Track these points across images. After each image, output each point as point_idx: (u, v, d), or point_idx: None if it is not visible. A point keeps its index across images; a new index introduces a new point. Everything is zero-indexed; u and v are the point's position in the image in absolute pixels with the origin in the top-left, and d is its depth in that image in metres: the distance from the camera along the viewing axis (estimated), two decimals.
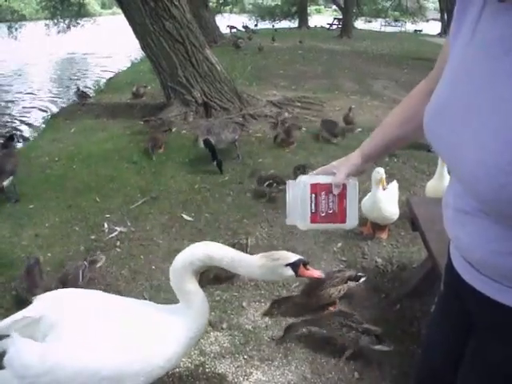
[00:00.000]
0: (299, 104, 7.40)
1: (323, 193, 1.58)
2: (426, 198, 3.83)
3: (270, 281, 2.02)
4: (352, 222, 1.62)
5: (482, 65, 1.07)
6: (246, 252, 3.30)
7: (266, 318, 3.12)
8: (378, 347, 2.80)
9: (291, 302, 3.15)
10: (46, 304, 2.14)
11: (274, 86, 8.59)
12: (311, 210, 1.59)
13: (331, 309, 3.19)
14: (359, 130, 6.15)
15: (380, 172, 3.71)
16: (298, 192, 1.59)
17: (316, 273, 2.04)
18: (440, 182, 3.83)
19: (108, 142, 6.18)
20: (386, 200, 3.75)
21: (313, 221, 1.61)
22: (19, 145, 7.59)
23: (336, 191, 1.58)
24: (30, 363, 1.95)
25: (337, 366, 2.81)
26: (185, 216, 4.33)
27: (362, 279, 3.24)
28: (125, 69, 12.50)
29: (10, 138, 5.50)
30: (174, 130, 6.34)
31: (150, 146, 5.56)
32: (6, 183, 4.76)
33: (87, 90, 9.75)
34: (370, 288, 3.40)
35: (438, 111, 1.21)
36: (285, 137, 5.71)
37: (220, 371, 2.78)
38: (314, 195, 1.58)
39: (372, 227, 3.96)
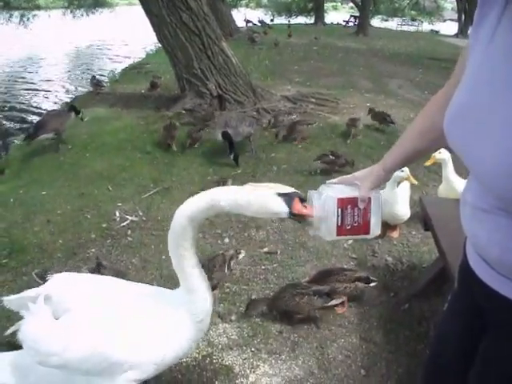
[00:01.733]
0: (313, 100, 7.37)
1: (349, 206, 1.58)
2: (439, 198, 3.81)
3: (262, 217, 1.71)
4: (375, 231, 1.63)
5: (501, 68, 1.08)
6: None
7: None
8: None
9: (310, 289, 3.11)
10: (61, 284, 2.12)
11: (289, 82, 8.57)
12: (337, 223, 1.59)
13: (339, 308, 3.19)
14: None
15: (405, 170, 3.71)
16: (323, 205, 1.58)
17: (312, 212, 1.65)
18: (448, 186, 3.84)
19: (121, 132, 6.20)
20: (398, 199, 3.74)
21: (339, 234, 1.60)
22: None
23: (362, 205, 1.58)
24: (41, 341, 1.93)
25: (344, 362, 2.82)
26: None
27: (373, 284, 3.22)
28: (140, 59, 12.51)
29: (73, 108, 6.23)
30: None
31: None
32: (43, 136, 5.70)
33: (102, 79, 9.77)
34: (379, 286, 3.38)
35: (457, 114, 1.23)
36: (286, 133, 5.67)
37: (227, 363, 2.79)
38: (340, 209, 1.58)
39: (383, 226, 3.94)
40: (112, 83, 9.40)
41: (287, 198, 1.66)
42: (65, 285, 2.13)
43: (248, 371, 2.74)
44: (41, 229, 4.07)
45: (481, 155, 1.11)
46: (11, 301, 2.07)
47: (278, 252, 3.75)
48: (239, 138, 5.26)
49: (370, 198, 1.59)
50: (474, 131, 1.15)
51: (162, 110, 6.89)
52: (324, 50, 12.00)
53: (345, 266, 3.48)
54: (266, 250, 3.76)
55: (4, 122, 8.39)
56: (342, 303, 3.19)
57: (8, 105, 9.25)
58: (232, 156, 5.05)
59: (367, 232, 1.63)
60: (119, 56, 14.69)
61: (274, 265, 3.59)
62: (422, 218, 3.25)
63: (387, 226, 3.95)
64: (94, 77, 9.28)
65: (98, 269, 3.15)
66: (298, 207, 1.65)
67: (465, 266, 1.46)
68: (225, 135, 5.01)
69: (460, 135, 1.22)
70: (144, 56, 13.29)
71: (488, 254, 1.28)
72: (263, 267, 3.52)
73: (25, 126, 8.24)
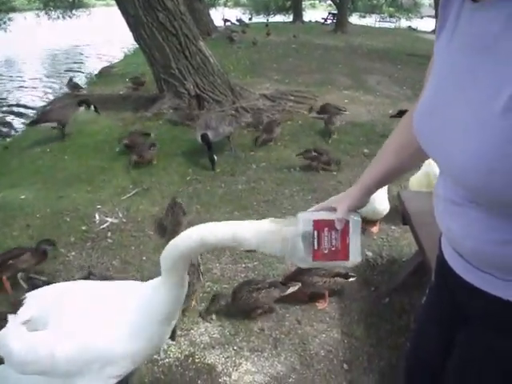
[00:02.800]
0: (292, 98, 7.38)
1: (326, 229, 1.53)
2: (417, 192, 3.85)
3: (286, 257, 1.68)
4: (355, 258, 1.57)
5: (462, 62, 1.10)
6: (199, 277, 3.21)
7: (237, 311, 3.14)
8: (289, 291, 3.10)
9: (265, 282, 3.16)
10: (35, 302, 2.19)
11: (268, 80, 8.59)
12: (314, 247, 1.54)
13: (320, 304, 3.22)
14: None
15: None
16: (299, 229, 1.54)
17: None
18: (423, 177, 3.87)
19: (100, 134, 6.17)
20: (377, 195, 3.76)
21: (315, 258, 1.54)
22: (11, 134, 7.58)
23: (339, 226, 1.52)
24: (13, 350, 2.03)
25: (326, 357, 2.84)
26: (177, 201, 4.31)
27: (352, 279, 3.26)
28: (118, 61, 12.45)
29: (84, 102, 6.36)
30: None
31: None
32: (46, 124, 6.06)
33: (79, 81, 9.69)
34: (359, 281, 3.41)
35: (425, 112, 1.25)
36: (266, 136, 5.59)
37: (210, 362, 2.79)
38: (316, 232, 1.53)
39: (363, 221, 3.95)
40: (90, 85, 9.35)
41: None
42: (38, 301, 2.18)
43: (231, 369, 2.75)
44: (20, 233, 4.04)
45: (450, 151, 1.12)
46: None
47: None
48: (219, 138, 5.26)
49: (348, 222, 1.53)
50: (441, 128, 1.16)
51: (141, 111, 6.86)
52: (303, 47, 12.03)
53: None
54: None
55: None
56: (323, 298, 3.22)
57: None
58: (210, 159, 5.04)
59: (346, 258, 1.56)
60: (97, 57, 14.59)
61: (255, 263, 3.60)
62: (401, 212, 3.29)
63: (367, 222, 3.97)
64: (71, 79, 9.20)
65: (88, 277, 3.16)
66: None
67: (440, 258, 1.48)
68: (203, 138, 5.00)
69: (428, 133, 1.23)
70: (122, 57, 13.23)
71: (461, 247, 1.30)
72: (244, 265, 3.53)
73: (2, 129, 8.14)
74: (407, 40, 20.29)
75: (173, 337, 2.88)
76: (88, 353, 1.99)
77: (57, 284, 2.45)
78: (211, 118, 5.35)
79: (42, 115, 6.29)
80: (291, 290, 3.12)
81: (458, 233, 1.27)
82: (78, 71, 12.66)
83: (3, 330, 2.12)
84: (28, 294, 2.24)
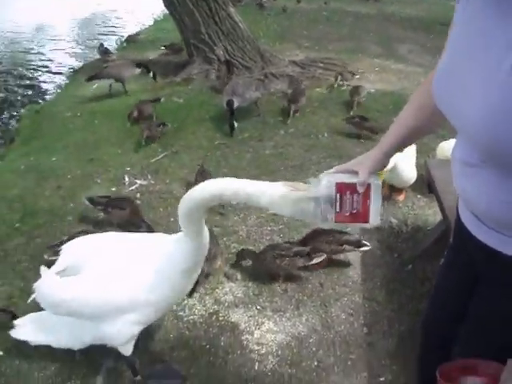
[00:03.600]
0: (322, 65, 7.29)
1: (348, 192, 1.56)
2: (443, 160, 3.82)
3: (295, 217, 1.80)
4: (374, 221, 1.61)
5: (475, 27, 1.15)
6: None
7: (279, 271, 3.20)
8: (313, 262, 3.13)
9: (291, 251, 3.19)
10: (70, 251, 2.39)
11: (298, 47, 8.48)
12: (336, 209, 1.58)
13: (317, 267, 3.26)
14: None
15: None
16: (322, 191, 1.57)
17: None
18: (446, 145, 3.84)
19: (130, 98, 6.21)
20: (404, 163, 3.75)
21: (337, 220, 1.59)
22: (42, 99, 7.70)
23: (361, 190, 1.56)
24: (47, 293, 2.29)
25: (347, 320, 2.90)
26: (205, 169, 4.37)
27: (364, 248, 3.26)
28: (147, 27, 12.40)
29: (142, 65, 6.64)
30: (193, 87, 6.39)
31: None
32: (102, 80, 6.45)
33: (109, 47, 9.70)
34: (383, 247, 3.45)
35: (441, 76, 1.29)
36: (295, 107, 5.40)
37: (233, 320, 2.88)
38: (339, 195, 1.56)
39: (389, 189, 3.96)
40: (120, 51, 9.37)
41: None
42: (72, 252, 2.38)
43: (253, 328, 2.84)
44: (52, 194, 4.15)
45: (464, 112, 1.17)
46: None
47: None
48: (246, 104, 5.27)
49: (369, 185, 1.57)
50: (457, 90, 1.21)
51: (170, 76, 6.88)
52: (333, 15, 11.80)
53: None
54: (272, 211, 3.80)
55: (15, 90, 8.42)
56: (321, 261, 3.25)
57: (15, 75, 9.25)
58: (229, 125, 5.04)
59: (366, 220, 1.60)
60: (127, 23, 14.55)
61: (280, 226, 3.65)
62: (426, 180, 3.29)
63: (393, 189, 3.96)
64: (101, 44, 9.23)
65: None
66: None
67: (458, 221, 1.52)
68: (228, 104, 5.00)
69: (445, 94, 1.28)
70: (152, 23, 13.18)
71: (475, 207, 1.34)
72: (269, 228, 3.59)
73: (32, 96, 8.25)
74: (441, 9, 19.69)
75: (190, 293, 2.97)
76: (112, 299, 2.16)
77: (89, 235, 2.58)
78: (238, 84, 5.35)
79: (101, 71, 6.50)
80: (315, 260, 3.15)
81: (472, 193, 1.32)
82: (108, 36, 12.67)
83: (38, 281, 2.33)
84: (63, 246, 2.38)
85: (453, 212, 2.61)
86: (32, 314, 2.57)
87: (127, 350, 2.36)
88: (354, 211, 1.58)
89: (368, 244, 3.28)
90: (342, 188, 1.57)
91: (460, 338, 1.59)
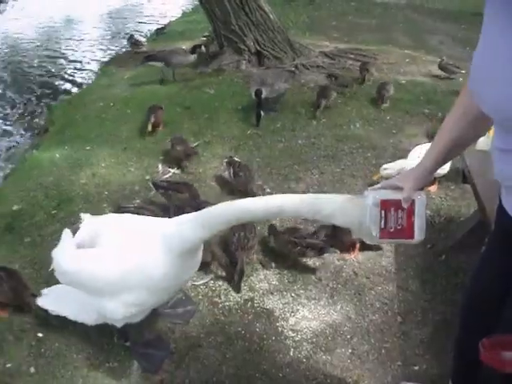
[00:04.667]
0: (352, 56, 7.25)
1: (392, 209, 1.59)
2: (479, 150, 3.79)
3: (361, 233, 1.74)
4: (419, 236, 1.63)
5: (506, 16, 1.20)
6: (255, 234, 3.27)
7: (314, 260, 3.22)
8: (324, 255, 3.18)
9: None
10: (89, 226, 2.55)
11: (327, 38, 8.45)
12: (380, 226, 1.60)
13: (351, 255, 3.29)
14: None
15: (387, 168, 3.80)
16: (366, 207, 1.61)
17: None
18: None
19: (161, 89, 6.27)
20: None
21: (381, 237, 1.62)
22: (74, 90, 7.80)
23: (405, 206, 1.58)
24: (60, 262, 2.46)
25: (381, 309, 2.92)
26: (237, 160, 4.40)
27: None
28: (176, 18, 12.46)
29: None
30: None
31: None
32: (152, 63, 6.48)
33: (139, 38, 9.76)
34: None
35: (474, 69, 1.35)
36: (326, 102, 5.29)
37: (268, 307, 2.92)
38: (383, 211, 1.59)
39: None
40: (150, 42, 9.43)
41: None
42: (91, 227, 2.53)
43: (288, 315, 2.87)
44: (86, 182, 4.23)
45: (495, 95, 1.23)
46: None
47: None
48: (274, 95, 5.28)
49: (413, 201, 1.59)
50: (488, 77, 1.26)
51: (200, 66, 6.91)
52: (362, 5, 11.69)
53: None
54: None
55: (47, 81, 8.54)
56: (353, 247, 3.29)
57: (47, 67, 9.36)
58: (256, 114, 5.04)
59: (411, 236, 1.62)
60: (156, 15, 14.61)
61: None
62: (461, 170, 3.27)
63: None
64: (131, 36, 9.28)
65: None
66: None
67: (500, 207, 1.53)
68: (256, 93, 5.01)
69: (478, 86, 1.33)
70: (180, 15, 13.23)
71: None
72: (303, 218, 3.60)
73: (65, 85, 8.37)
74: None
75: (238, 289, 3.01)
76: (107, 276, 2.29)
77: (109, 215, 2.69)
78: (267, 74, 5.37)
79: (155, 54, 6.60)
80: (327, 254, 3.19)
81: (508, 173, 1.36)
82: (138, 28, 12.75)
83: (58, 245, 2.52)
84: (84, 221, 2.57)
85: (489, 203, 2.62)
86: (57, 286, 2.69)
87: (118, 324, 2.48)
88: (399, 227, 1.61)
89: None
90: (386, 205, 1.60)
91: (502, 323, 1.60)
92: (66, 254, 2.44)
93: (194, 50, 6.48)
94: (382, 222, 1.60)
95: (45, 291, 2.77)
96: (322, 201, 1.75)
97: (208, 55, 6.79)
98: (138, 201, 3.85)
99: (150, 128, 4.90)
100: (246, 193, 3.67)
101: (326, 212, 1.72)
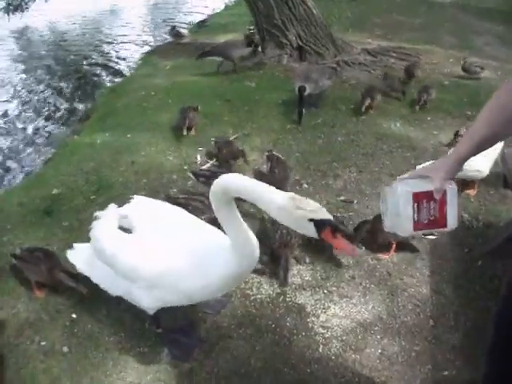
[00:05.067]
0: (394, 54, 7.17)
1: (425, 201, 1.58)
2: None
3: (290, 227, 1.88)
4: (452, 225, 1.63)
5: None
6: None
7: (348, 258, 3.21)
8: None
9: (366, 227, 3.25)
10: (136, 206, 2.56)
11: (370, 35, 8.36)
12: (414, 219, 1.59)
13: (384, 255, 3.27)
14: None
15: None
16: (398, 201, 1.60)
17: (346, 247, 1.83)
18: None
19: (202, 80, 6.32)
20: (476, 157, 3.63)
21: (415, 229, 1.61)
22: (117, 79, 7.93)
23: (437, 197, 1.57)
24: (99, 240, 2.47)
25: (413, 311, 2.89)
26: (276, 155, 4.40)
27: (431, 236, 3.28)
28: (218, 11, 12.52)
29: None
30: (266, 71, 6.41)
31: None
32: (211, 57, 6.57)
33: (181, 30, 9.84)
34: (453, 242, 3.40)
35: None
36: (371, 103, 5.19)
37: (300, 302, 2.92)
38: (416, 204, 1.58)
39: (459, 182, 3.87)
40: (192, 34, 9.51)
41: (319, 224, 1.76)
42: (140, 207, 2.55)
43: (319, 311, 2.87)
44: (126, 169, 4.29)
45: None
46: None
47: (355, 201, 3.82)
48: (317, 91, 5.27)
49: (445, 190, 1.58)
50: None
51: (243, 60, 6.93)
52: (407, 3, 11.55)
53: None
54: (342, 198, 3.84)
55: (91, 71, 8.70)
56: (389, 249, 3.27)
57: (91, 55, 9.54)
58: (298, 111, 5.02)
59: (444, 225, 1.62)
60: (199, 7, 14.72)
61: (350, 213, 3.67)
62: (502, 174, 3.21)
63: (465, 183, 3.87)
64: (173, 27, 9.35)
65: None
66: (327, 236, 1.76)
67: None
68: (299, 90, 4.99)
69: None
70: (223, 8, 13.29)
71: None
72: (339, 215, 3.59)
73: (107, 75, 8.52)
74: None
75: (285, 283, 3.01)
76: (145, 270, 2.30)
77: (160, 201, 2.69)
78: (312, 70, 5.35)
79: (211, 49, 6.68)
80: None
81: None
82: (179, 20, 12.86)
83: (103, 217, 2.57)
84: (135, 197, 2.62)
85: None
86: (89, 244, 2.65)
87: (150, 312, 2.51)
88: (432, 218, 1.60)
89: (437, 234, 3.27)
90: (418, 197, 1.58)
91: None
92: (107, 232, 2.46)
93: (249, 43, 6.53)
94: (415, 215, 1.59)
95: (76, 246, 2.82)
96: (266, 196, 1.84)
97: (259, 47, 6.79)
98: (175, 191, 3.89)
99: (185, 132, 4.81)
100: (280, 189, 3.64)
101: (273, 210, 1.82)
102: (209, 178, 3.68)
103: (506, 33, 9.20)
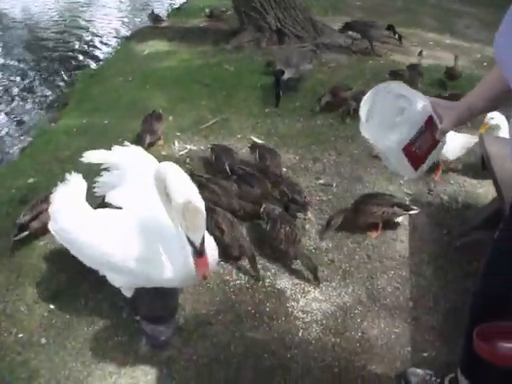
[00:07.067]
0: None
1: (429, 130, 1.50)
2: (500, 137, 3.72)
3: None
4: (420, 171, 1.56)
5: None
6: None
7: (327, 241, 3.20)
8: (412, 212, 3.26)
9: (343, 217, 3.22)
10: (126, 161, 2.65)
11: (350, 17, 8.30)
12: (411, 138, 1.49)
13: (373, 233, 3.28)
14: None
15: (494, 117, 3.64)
16: (411, 111, 1.48)
17: (201, 270, 1.84)
18: None
19: (180, 65, 6.24)
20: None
21: (405, 148, 1.50)
22: (94, 65, 7.79)
23: (438, 137, 1.52)
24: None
25: (392, 293, 2.91)
26: (254, 138, 4.40)
27: (413, 211, 3.27)
28: None
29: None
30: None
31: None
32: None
33: (160, 13, 9.69)
34: (432, 223, 3.42)
35: (500, 34, 1.37)
36: (330, 99, 4.85)
37: (279, 287, 2.92)
38: (424, 127, 1.49)
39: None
40: (171, 17, 9.38)
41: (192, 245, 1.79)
42: (129, 164, 2.61)
43: (299, 296, 2.87)
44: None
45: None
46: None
47: (334, 184, 3.81)
48: (298, 75, 5.23)
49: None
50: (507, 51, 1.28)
51: (221, 43, 6.85)
52: None
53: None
54: (321, 181, 3.83)
55: (67, 55, 8.54)
56: (377, 228, 3.29)
57: (68, 41, 9.36)
58: (275, 94, 4.93)
59: (417, 166, 1.54)
60: None
61: (330, 196, 3.66)
62: (481, 156, 3.21)
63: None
64: (152, 11, 9.22)
65: None
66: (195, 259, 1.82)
67: None
68: (276, 73, 4.92)
69: (501, 52, 1.35)
70: None
71: None
72: (318, 198, 3.59)
73: (86, 59, 8.37)
74: None
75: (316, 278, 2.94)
76: (98, 250, 2.32)
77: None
78: (293, 54, 5.30)
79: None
80: (413, 212, 3.26)
81: None
82: (158, 3, 12.68)
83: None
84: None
85: (507, 189, 2.57)
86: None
87: (126, 294, 2.49)
88: (418, 152, 1.51)
89: (416, 208, 3.29)
90: (430, 122, 1.50)
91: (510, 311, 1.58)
92: (70, 208, 2.46)
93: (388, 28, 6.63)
94: (417, 137, 1.49)
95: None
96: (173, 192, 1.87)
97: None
98: None
99: (145, 146, 3.95)
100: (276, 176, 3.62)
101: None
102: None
103: (486, 15, 9.18)
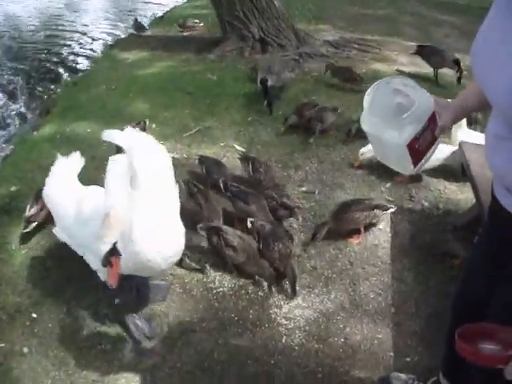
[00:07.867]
0: (356, 46, 7.21)
1: (432, 127, 1.51)
2: (479, 144, 3.76)
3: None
4: (417, 169, 1.58)
5: (501, 21, 1.26)
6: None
7: (309, 249, 3.23)
8: (390, 211, 3.35)
9: (326, 228, 3.23)
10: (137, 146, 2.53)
11: (332, 27, 8.39)
12: (417, 134, 1.49)
13: (355, 239, 3.32)
14: None
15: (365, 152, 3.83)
16: (419, 106, 1.47)
17: (113, 276, 1.99)
18: None
19: (163, 74, 6.24)
20: None
21: (410, 144, 1.49)
22: (77, 73, 7.76)
23: (437, 134, 1.53)
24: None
25: (375, 299, 2.93)
26: (237, 146, 4.43)
27: (391, 210, 3.35)
28: (181, 3, 12.40)
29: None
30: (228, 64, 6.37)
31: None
32: None
33: (143, 23, 9.70)
34: (413, 229, 3.45)
35: (476, 50, 1.37)
36: (295, 120, 4.65)
37: (261, 294, 2.93)
38: (428, 123, 1.49)
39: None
40: (153, 26, 9.39)
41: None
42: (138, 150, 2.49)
43: (282, 302, 2.88)
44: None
45: (495, 86, 1.24)
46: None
47: (316, 192, 3.83)
48: (280, 84, 5.26)
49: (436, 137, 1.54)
50: (488, 65, 1.28)
51: (204, 52, 6.87)
52: None
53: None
54: (304, 189, 3.86)
55: (50, 63, 8.50)
56: (359, 233, 3.33)
57: (52, 48, 9.31)
58: (266, 103, 4.97)
59: (416, 162, 1.54)
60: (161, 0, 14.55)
61: (312, 203, 3.68)
62: (460, 163, 3.26)
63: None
64: (136, 19, 9.23)
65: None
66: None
67: (492, 196, 1.53)
68: (262, 82, 4.97)
69: (479, 69, 1.35)
70: (186, 0, 13.19)
71: (505, 180, 1.36)
72: (301, 205, 3.60)
73: (69, 68, 8.33)
74: None
75: (294, 292, 2.93)
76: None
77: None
78: (274, 63, 5.34)
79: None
80: (391, 210, 3.36)
81: (500, 166, 1.36)
82: (141, 12, 12.67)
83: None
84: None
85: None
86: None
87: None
88: (419, 148, 1.52)
89: (393, 206, 3.39)
90: (434, 118, 1.51)
91: (491, 310, 1.61)
92: (59, 180, 2.84)
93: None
94: (421, 132, 1.49)
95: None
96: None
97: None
98: None
99: None
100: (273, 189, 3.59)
101: None
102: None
103: (464, 25, 9.33)
